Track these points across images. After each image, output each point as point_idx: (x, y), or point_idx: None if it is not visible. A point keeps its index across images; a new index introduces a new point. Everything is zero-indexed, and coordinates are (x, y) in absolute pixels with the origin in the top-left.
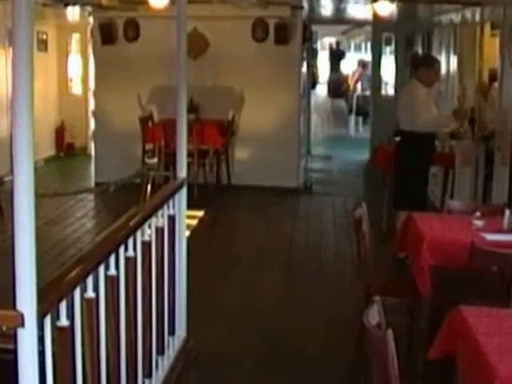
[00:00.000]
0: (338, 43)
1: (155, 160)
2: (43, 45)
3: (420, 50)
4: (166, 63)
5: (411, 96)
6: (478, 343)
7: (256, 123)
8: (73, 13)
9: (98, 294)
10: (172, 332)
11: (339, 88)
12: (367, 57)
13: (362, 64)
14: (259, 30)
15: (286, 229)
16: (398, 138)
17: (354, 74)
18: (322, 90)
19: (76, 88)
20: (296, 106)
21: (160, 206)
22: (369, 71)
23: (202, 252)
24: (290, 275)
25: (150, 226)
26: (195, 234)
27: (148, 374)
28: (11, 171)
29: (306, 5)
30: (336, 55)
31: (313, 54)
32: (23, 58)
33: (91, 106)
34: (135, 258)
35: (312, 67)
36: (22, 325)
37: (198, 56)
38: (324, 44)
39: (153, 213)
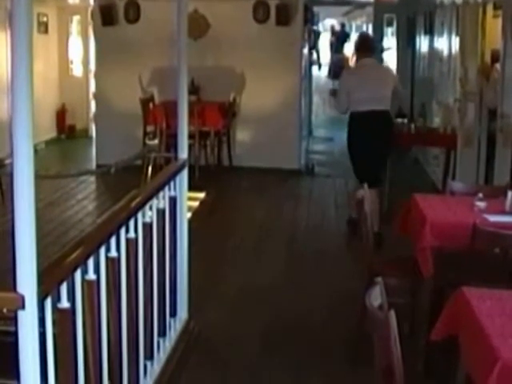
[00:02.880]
0: (343, 25)
1: (156, 141)
2: (44, 27)
3: (422, 31)
4: (167, 44)
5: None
6: (480, 324)
7: (257, 105)
8: None
9: (99, 275)
10: (173, 314)
11: (340, 69)
12: None
13: None
14: (260, 11)
15: (288, 210)
16: None
17: (352, 55)
18: (323, 72)
19: (77, 70)
20: (297, 87)
21: (161, 187)
22: None
23: (203, 233)
24: (291, 256)
25: (151, 208)
26: (196, 216)
27: (149, 355)
28: (12, 154)
29: None
30: (341, 37)
31: (315, 36)
32: (22, 39)
33: (92, 87)
34: (136, 240)
35: (315, 49)
36: (23, 307)
37: (199, 37)
38: (326, 26)
39: (154, 194)
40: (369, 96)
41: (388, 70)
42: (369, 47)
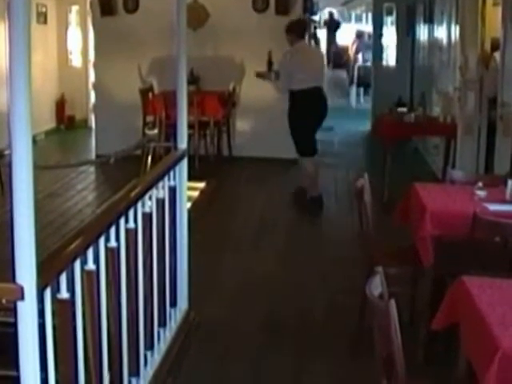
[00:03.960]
0: (331, 14)
1: (155, 131)
2: (42, 17)
3: (421, 20)
4: (166, 34)
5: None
6: (481, 314)
7: (257, 94)
8: None
9: (99, 266)
10: (173, 304)
11: (340, 59)
12: (368, 28)
13: (358, 34)
14: (259, 1)
15: (287, 200)
16: None
17: (352, 44)
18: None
19: (76, 60)
20: None
21: (160, 177)
22: (365, 41)
23: (203, 223)
24: (291, 246)
25: (150, 198)
26: (196, 206)
27: (150, 345)
28: (10, 144)
29: None
30: (332, 26)
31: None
32: (20, 30)
33: (91, 78)
34: (136, 230)
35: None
36: (22, 298)
37: (198, 27)
38: (325, 15)
39: (153, 184)
40: (311, 75)
41: (320, 51)
42: (304, 31)
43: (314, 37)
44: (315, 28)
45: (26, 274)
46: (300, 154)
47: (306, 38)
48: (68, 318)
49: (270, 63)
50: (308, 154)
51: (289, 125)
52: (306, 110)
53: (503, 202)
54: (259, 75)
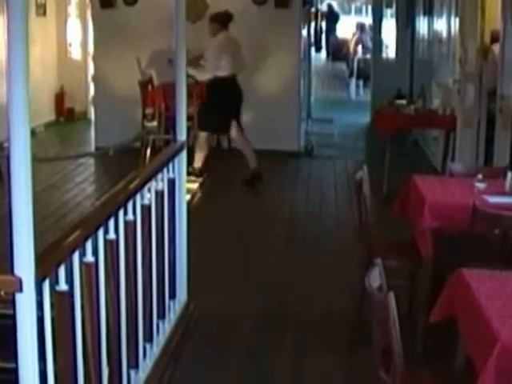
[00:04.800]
0: (329, 6)
1: (155, 123)
2: (42, 9)
3: (421, 12)
4: (166, 27)
5: None
6: (480, 306)
7: (256, 87)
8: None
9: (98, 258)
10: (173, 296)
11: (339, 51)
12: (368, 20)
13: (360, 27)
14: None
15: (287, 192)
16: None
17: (353, 36)
18: (324, 53)
19: (75, 53)
20: (296, 69)
21: (159, 169)
22: (366, 34)
23: (202, 215)
24: (291, 238)
25: (149, 190)
26: (195, 198)
27: (149, 338)
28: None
29: None
30: (331, 18)
31: (317, 18)
32: (18, 22)
33: (91, 70)
34: (135, 222)
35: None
36: (20, 289)
37: (197, 19)
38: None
39: (152, 176)
40: (235, 62)
41: (238, 41)
42: (227, 22)
43: (320, 28)
44: (320, 19)
45: (25, 266)
46: (199, 127)
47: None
48: (66, 310)
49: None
50: (208, 129)
51: (205, 109)
52: (221, 95)
53: (503, 194)
54: (169, 62)
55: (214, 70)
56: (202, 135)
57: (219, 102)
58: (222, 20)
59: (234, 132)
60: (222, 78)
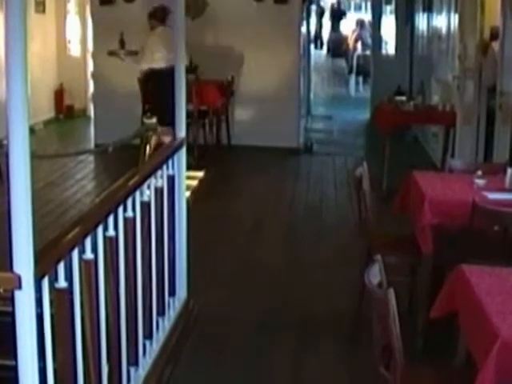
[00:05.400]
0: (338, 2)
1: (154, 120)
2: (41, 6)
3: (421, 9)
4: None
5: None
6: (480, 302)
7: (256, 83)
8: None
9: (97, 255)
10: (172, 293)
11: (339, 47)
12: (367, 16)
13: (360, 23)
14: None
15: (287, 189)
16: None
17: (353, 33)
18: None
19: (75, 50)
20: (296, 65)
21: (159, 166)
22: (366, 31)
23: (202, 212)
24: (291, 235)
25: (149, 187)
26: (195, 195)
27: (149, 335)
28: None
29: None
30: (336, 15)
31: (320, 14)
32: (17, 18)
33: (90, 67)
34: (134, 219)
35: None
36: (19, 287)
37: (197, 16)
38: (326, 4)
39: (152, 173)
40: (171, 55)
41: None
42: (165, 17)
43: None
44: (320, 16)
45: (24, 263)
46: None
47: None
48: (66, 307)
49: (121, 42)
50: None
51: (144, 99)
52: (162, 85)
53: (502, 190)
54: (111, 53)
55: (150, 61)
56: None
57: (156, 94)
58: (159, 15)
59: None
60: (157, 69)
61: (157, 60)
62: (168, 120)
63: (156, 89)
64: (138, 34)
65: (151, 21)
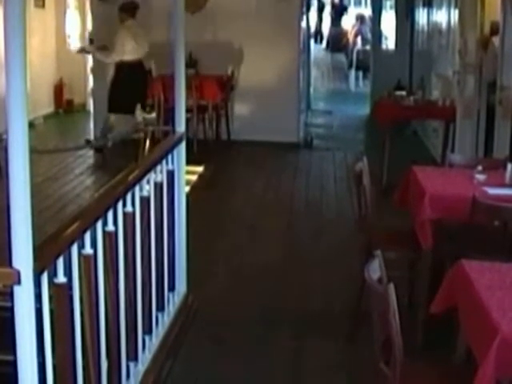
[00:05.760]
0: None
1: (153, 115)
2: (41, 1)
3: (421, 3)
4: (165, 18)
5: None
6: (480, 297)
7: (256, 78)
8: None
9: (96, 250)
10: (172, 288)
11: (339, 42)
12: (367, 11)
13: (360, 18)
14: None
15: (287, 184)
16: None
17: (353, 28)
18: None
19: (74, 44)
20: (296, 60)
21: (158, 161)
22: (366, 25)
23: (201, 207)
24: (290, 230)
25: (148, 182)
26: (195, 190)
27: (148, 330)
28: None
29: None
30: (338, 10)
31: (320, 9)
32: (16, 13)
33: (90, 62)
34: (134, 214)
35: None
36: (19, 282)
37: (197, 11)
38: None
39: (151, 168)
40: (141, 48)
41: (142, 30)
42: (134, 11)
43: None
44: (320, 10)
45: (23, 259)
46: (109, 110)
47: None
48: (65, 303)
49: (91, 39)
50: (116, 111)
51: (113, 91)
52: (129, 76)
53: (502, 185)
54: (80, 51)
55: (121, 54)
56: (111, 117)
57: (125, 85)
58: (129, 9)
59: (137, 113)
60: (128, 62)
61: (127, 52)
62: (124, 108)
63: (127, 80)
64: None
65: (121, 14)
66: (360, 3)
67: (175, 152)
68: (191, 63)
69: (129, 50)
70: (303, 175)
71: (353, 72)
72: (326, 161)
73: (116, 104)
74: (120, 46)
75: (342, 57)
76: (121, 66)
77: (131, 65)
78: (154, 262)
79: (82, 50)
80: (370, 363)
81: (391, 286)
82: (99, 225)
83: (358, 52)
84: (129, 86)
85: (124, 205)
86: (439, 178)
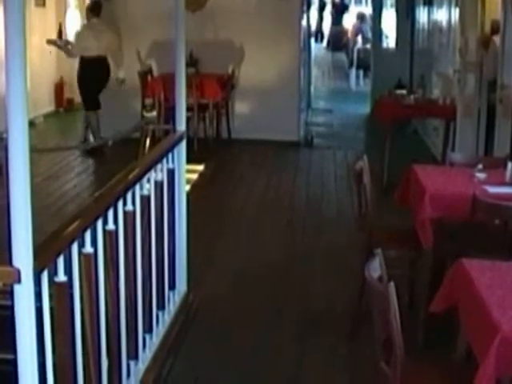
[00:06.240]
0: None
1: (154, 114)
2: (41, 0)
3: (421, 2)
4: (165, 17)
5: None
6: (480, 296)
7: (256, 77)
8: None
9: (97, 248)
10: (172, 286)
11: (339, 41)
12: (368, 10)
13: (361, 17)
14: None
15: (287, 182)
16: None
17: (353, 27)
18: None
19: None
20: (296, 59)
21: (159, 159)
22: (367, 24)
23: (202, 206)
24: (291, 229)
25: (148, 180)
26: (195, 188)
27: (148, 329)
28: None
29: None
30: (339, 9)
31: (321, 8)
32: (16, 11)
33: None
34: (134, 213)
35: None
36: (19, 281)
37: (197, 9)
38: None
39: (152, 167)
40: (99, 44)
41: (109, 29)
42: (98, 11)
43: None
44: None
45: (23, 257)
46: (87, 109)
47: None
48: (65, 301)
49: (60, 32)
50: (93, 109)
51: (79, 85)
52: (89, 71)
53: (503, 184)
54: (49, 42)
55: (79, 50)
56: (92, 115)
57: (87, 81)
58: (93, 9)
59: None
60: (88, 58)
61: (86, 49)
62: (96, 105)
63: (87, 75)
64: (138, 28)
65: (87, 13)
66: (361, 2)
67: (176, 151)
68: (192, 62)
69: (88, 47)
70: (304, 174)
71: (353, 71)
72: (326, 159)
73: (91, 101)
74: (78, 43)
75: (342, 55)
76: (82, 63)
77: (90, 60)
78: (154, 261)
79: (53, 42)
80: (371, 362)
81: (392, 285)
82: (99, 223)
83: (359, 51)
84: (90, 81)
85: (124, 203)
86: (440, 176)
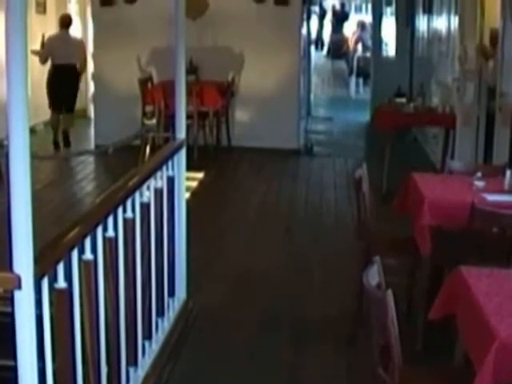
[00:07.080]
0: (342, 5)
1: (154, 121)
2: (42, 7)
3: (421, 10)
4: (166, 24)
5: None
6: (478, 304)
7: (256, 84)
8: None
9: (97, 255)
10: (172, 293)
11: (339, 49)
12: (368, 18)
13: (361, 25)
14: None
15: (287, 190)
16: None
17: (353, 35)
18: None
19: None
20: (296, 67)
21: (159, 167)
22: (367, 32)
23: (201, 213)
24: (290, 237)
25: (148, 188)
26: (195, 196)
27: (148, 335)
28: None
29: None
30: (339, 17)
31: (322, 16)
32: (17, 19)
33: (90, 68)
34: (134, 220)
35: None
36: (19, 287)
37: (198, 17)
38: (328, 6)
39: (151, 174)
40: (64, 55)
41: (78, 40)
42: (68, 24)
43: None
44: (321, 17)
45: (23, 264)
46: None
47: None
48: (65, 308)
49: (42, 43)
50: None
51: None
52: (55, 78)
53: (501, 192)
54: (32, 52)
55: (44, 58)
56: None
57: (55, 86)
58: (61, 22)
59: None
60: (56, 65)
61: (54, 57)
62: (69, 108)
63: (50, 81)
64: (139, 35)
65: (59, 25)
66: (361, 10)
67: (175, 158)
68: (192, 69)
69: (55, 56)
70: (303, 182)
71: (353, 79)
72: (326, 167)
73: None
74: (44, 52)
75: (342, 64)
76: (49, 70)
77: (56, 67)
78: (153, 268)
79: (34, 52)
80: (369, 369)
81: (390, 293)
82: (99, 230)
83: (359, 59)
84: (52, 87)
85: (124, 211)
86: (438, 184)
